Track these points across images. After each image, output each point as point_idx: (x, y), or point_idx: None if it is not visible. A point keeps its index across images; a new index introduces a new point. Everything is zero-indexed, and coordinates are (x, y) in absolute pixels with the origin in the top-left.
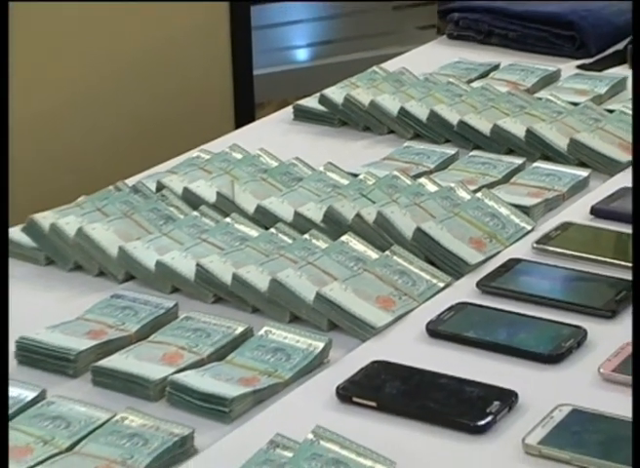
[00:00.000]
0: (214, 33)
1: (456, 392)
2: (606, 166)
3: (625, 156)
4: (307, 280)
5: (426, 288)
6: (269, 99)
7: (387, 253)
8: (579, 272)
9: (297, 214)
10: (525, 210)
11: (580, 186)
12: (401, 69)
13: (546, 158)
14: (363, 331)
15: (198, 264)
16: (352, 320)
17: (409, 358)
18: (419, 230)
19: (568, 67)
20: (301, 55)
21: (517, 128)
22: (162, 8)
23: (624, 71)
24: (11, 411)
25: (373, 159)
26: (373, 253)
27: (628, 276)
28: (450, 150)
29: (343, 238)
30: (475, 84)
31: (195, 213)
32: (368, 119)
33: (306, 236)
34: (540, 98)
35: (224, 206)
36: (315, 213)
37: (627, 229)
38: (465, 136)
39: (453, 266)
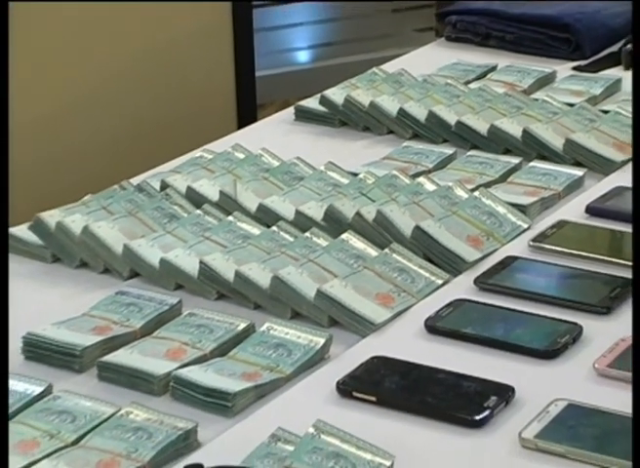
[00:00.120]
0: (217, 35)
1: (454, 387)
2: (601, 165)
3: (620, 156)
4: (308, 277)
5: (425, 285)
6: (271, 100)
7: (387, 250)
8: (574, 269)
9: (298, 213)
10: (521, 208)
11: (575, 185)
12: (400, 71)
13: (542, 158)
14: (363, 327)
15: (201, 262)
16: (352, 316)
17: (408, 353)
18: (417, 228)
19: (563, 69)
20: (303, 56)
21: (514, 128)
22: (166, 11)
23: (619, 73)
24: (18, 406)
25: (372, 159)
26: (372, 251)
27: (623, 273)
28: (448, 150)
29: (344, 236)
30: (473, 85)
31: (198, 211)
32: (367, 119)
33: (307, 234)
34: (537, 99)
35: (227, 204)
36: (316, 211)
37: (622, 227)
38: (463, 137)
39: (451, 264)
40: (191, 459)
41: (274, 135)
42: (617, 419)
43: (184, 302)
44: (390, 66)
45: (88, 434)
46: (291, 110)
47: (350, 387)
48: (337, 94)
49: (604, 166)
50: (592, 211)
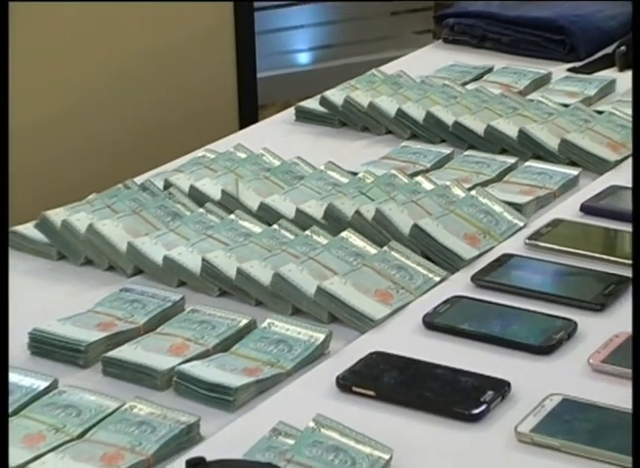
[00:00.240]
0: (219, 37)
1: (451, 382)
2: (595, 165)
3: (614, 156)
4: (309, 274)
5: (423, 282)
6: (272, 101)
7: (385, 248)
8: (569, 267)
9: (298, 211)
10: (517, 207)
11: (570, 185)
12: (399, 72)
13: (538, 157)
14: (362, 323)
15: (204, 259)
16: (352, 312)
17: (406, 349)
18: (415, 226)
19: (558, 70)
20: (303, 58)
21: (510, 128)
22: (170, 14)
23: (613, 74)
24: (24, 400)
25: (371, 158)
26: (371, 249)
27: (617, 271)
28: (445, 150)
29: (343, 234)
30: (470, 86)
31: (201, 210)
32: (367, 120)
33: (308, 232)
34: (532, 100)
35: (229, 203)
36: (316, 210)
37: (616, 226)
38: (460, 137)
39: (448, 261)
40: (194, 453)
41: (275, 135)
42: (611, 414)
43: (187, 299)
44: (389, 68)
45: (93, 428)
46: (291, 111)
47: (350, 382)
48: (336, 95)
49: (598, 165)
50: (587, 209)
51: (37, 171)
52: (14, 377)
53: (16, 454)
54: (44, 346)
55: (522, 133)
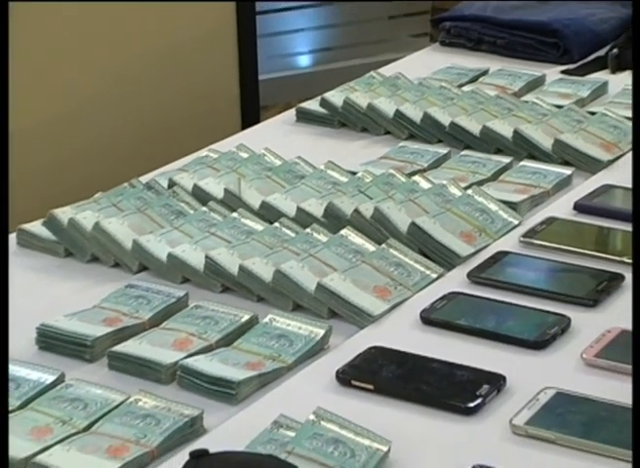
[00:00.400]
0: (222, 40)
1: (447, 376)
2: (588, 164)
3: (606, 155)
4: (309, 271)
5: (420, 278)
6: (274, 102)
7: (384, 245)
8: (562, 264)
9: (299, 210)
10: (512, 205)
11: (563, 184)
12: (396, 74)
13: (532, 157)
14: (361, 318)
15: (207, 256)
16: (351, 308)
17: (404, 344)
18: (413, 224)
19: (552, 72)
20: (304, 61)
21: (505, 129)
22: (174, 18)
23: (605, 76)
24: (32, 394)
25: (370, 158)
26: (370, 246)
27: (609, 267)
28: (442, 150)
29: (343, 232)
30: (466, 88)
31: (204, 208)
32: (365, 121)
33: (308, 230)
34: (527, 102)
35: (232, 202)
36: (316, 208)
37: (608, 224)
38: (457, 137)
39: (445, 258)
40: (197, 445)
41: (277, 135)
42: (603, 407)
43: (191, 295)
44: (387, 70)
45: (99, 420)
46: (292, 112)
47: (349, 376)
48: (336, 96)
49: (591, 165)
50: (580, 208)
51: (44, 170)
52: (22, 371)
53: (23, 446)
54: (51, 341)
55: (517, 133)
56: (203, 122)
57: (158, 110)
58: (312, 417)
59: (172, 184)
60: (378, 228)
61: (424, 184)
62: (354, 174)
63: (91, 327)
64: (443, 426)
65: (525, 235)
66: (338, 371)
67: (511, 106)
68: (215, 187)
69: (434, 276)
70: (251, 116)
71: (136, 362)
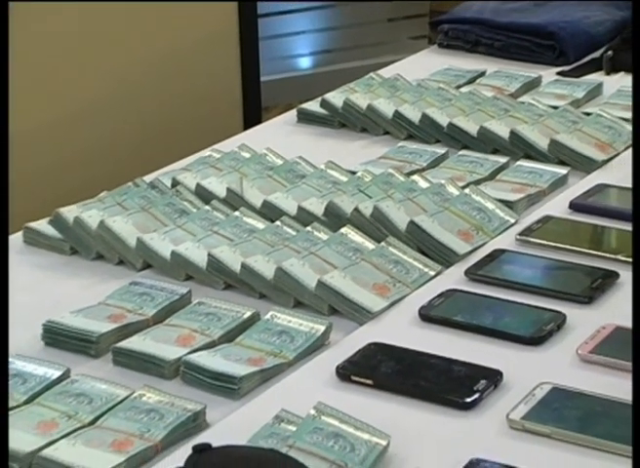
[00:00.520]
0: (224, 43)
1: (445, 371)
2: (583, 164)
3: (601, 155)
4: (310, 268)
5: (419, 276)
6: (275, 103)
7: (383, 243)
8: (558, 261)
9: (300, 209)
10: (509, 204)
11: (559, 183)
12: (395, 76)
13: (529, 157)
14: (361, 315)
15: (209, 254)
16: (351, 305)
17: (403, 340)
18: (412, 223)
19: (548, 74)
20: (304, 63)
21: (502, 129)
22: (178, 21)
23: (600, 78)
24: (38, 389)
25: (370, 158)
26: (370, 244)
27: (604, 265)
28: (440, 150)
29: (343, 230)
30: (463, 89)
31: (207, 207)
32: (365, 121)
33: (309, 228)
34: (523, 102)
35: (234, 200)
36: (317, 207)
37: (603, 222)
38: (454, 137)
39: (443, 256)
40: (200, 439)
41: (278, 135)
42: (598, 402)
43: (194, 292)
44: (386, 72)
45: (103, 415)
46: (293, 113)
47: (349, 371)
48: (336, 97)
49: (586, 165)
50: (575, 206)
51: (49, 171)
52: (28, 367)
53: (29, 440)
54: (57, 337)
55: (513, 133)
56: (206, 122)
57: (162, 111)
58: (313, 412)
59: (175, 184)
60: (377, 227)
61: (423, 184)
62: (354, 173)
63: (96, 323)
64: (441, 421)
65: (521, 233)
66: (338, 367)
67: (508, 107)
68: (217, 186)
69: (432, 273)
70: (253, 117)
71: (140, 357)
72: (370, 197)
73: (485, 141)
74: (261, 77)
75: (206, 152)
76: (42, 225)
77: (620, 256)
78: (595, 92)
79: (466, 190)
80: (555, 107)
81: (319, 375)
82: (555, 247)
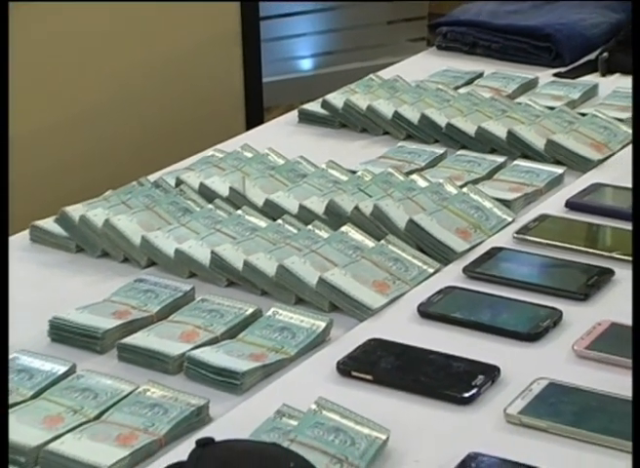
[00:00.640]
0: (227, 45)
1: (444, 367)
2: (579, 164)
3: (597, 155)
4: (311, 266)
5: (418, 273)
6: (277, 104)
7: (383, 241)
8: (554, 259)
9: (301, 207)
10: (506, 203)
11: (555, 182)
12: (395, 77)
13: (526, 157)
14: (361, 311)
15: (213, 252)
16: (351, 302)
17: (402, 336)
18: (411, 221)
19: (545, 75)
20: (306, 64)
21: (499, 129)
22: (183, 24)
23: (595, 79)
24: (44, 384)
25: (369, 157)
26: (369, 242)
27: (599, 263)
28: (439, 150)
29: (343, 228)
30: (461, 90)
31: (210, 205)
32: (365, 121)
33: (310, 227)
34: (520, 103)
35: (236, 199)
36: (318, 205)
37: (599, 221)
38: (453, 137)
39: (441, 254)
40: (203, 433)
41: (280, 135)
42: (594, 397)
43: (197, 289)
44: (386, 73)
45: (109, 410)
46: (295, 113)
47: (349, 367)
48: (337, 98)
49: (582, 164)
50: (571, 205)
51: (55, 171)
52: (35, 362)
53: (36, 435)
54: (63, 333)
55: (510, 133)
56: (209, 123)
57: (166, 112)
58: (314, 407)
59: (179, 183)
60: (377, 225)
61: (422, 183)
62: (354, 172)
63: (101, 319)
64: (440, 415)
65: (518, 231)
66: (338, 363)
67: (505, 108)
68: (220, 186)
69: (431, 271)
70: (255, 117)
71: (144, 353)
72: (370, 196)
73: (483, 141)
74: (263, 78)
75: (209, 152)
76: (48, 224)
77: (615, 254)
78: (591, 93)
79: (464, 189)
80: (552, 108)
81: (320, 371)
82: (552, 245)
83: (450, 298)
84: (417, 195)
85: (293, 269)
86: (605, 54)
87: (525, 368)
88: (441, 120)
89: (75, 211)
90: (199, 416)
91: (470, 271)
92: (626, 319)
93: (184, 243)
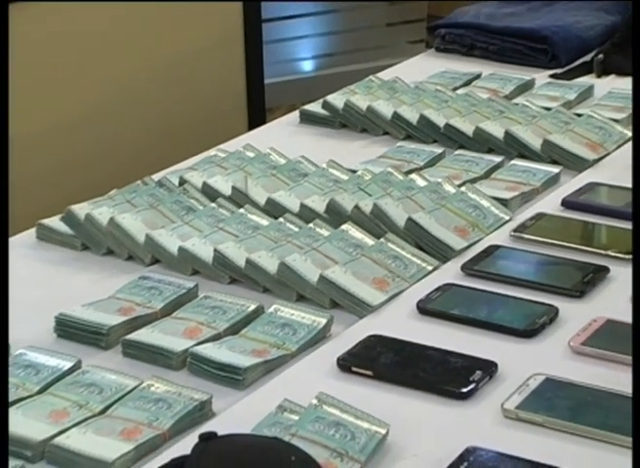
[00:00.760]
0: (230, 47)
1: (442, 362)
2: (575, 163)
3: (592, 155)
4: (312, 263)
5: (417, 271)
6: (278, 105)
7: (382, 240)
8: (550, 257)
9: (302, 206)
10: (503, 202)
11: (552, 181)
12: (394, 78)
13: (522, 156)
14: (361, 308)
15: (215, 250)
16: (351, 299)
17: (401, 332)
18: (410, 220)
19: (541, 77)
20: (307, 66)
21: (496, 130)
22: (187, 27)
23: (591, 80)
24: (50, 379)
25: (369, 157)
26: (369, 240)
27: (595, 260)
28: (437, 149)
29: (343, 227)
30: (460, 91)
31: (213, 204)
32: (365, 122)
33: (311, 225)
34: (517, 104)
35: (239, 198)
36: (319, 204)
37: (594, 219)
38: (451, 137)
39: (440, 252)
40: (206, 428)
41: (281, 136)
42: (589, 392)
43: (200, 286)
44: (385, 74)
45: (113, 404)
46: (296, 114)
47: (349, 363)
48: (337, 99)
49: (578, 164)
50: (567, 204)
51: (62, 170)
52: (41, 358)
53: (42, 429)
54: (69, 329)
55: (508, 134)
56: (212, 123)
57: (170, 113)
58: (315, 402)
59: (182, 182)
60: (376, 223)
61: (421, 182)
62: (354, 172)
63: (106, 316)
64: (438, 410)
65: (515, 230)
66: (338, 358)
67: (502, 108)
68: (223, 185)
69: (430, 268)
70: (257, 118)
71: (148, 349)
72: (369, 195)
73: (480, 141)
74: (265, 80)
75: (212, 152)
76: (54, 222)
77: (610, 252)
78: (586, 94)
79: (462, 188)
80: (548, 109)
81: (321, 366)
82: (548, 243)
83: (448, 295)
84: (416, 194)
85: (294, 267)
86: (600, 55)
87: (522, 363)
88: (439, 120)
89: (81, 209)
90: (202, 411)
91: (468, 269)
92: (621, 315)
93: (188, 241)
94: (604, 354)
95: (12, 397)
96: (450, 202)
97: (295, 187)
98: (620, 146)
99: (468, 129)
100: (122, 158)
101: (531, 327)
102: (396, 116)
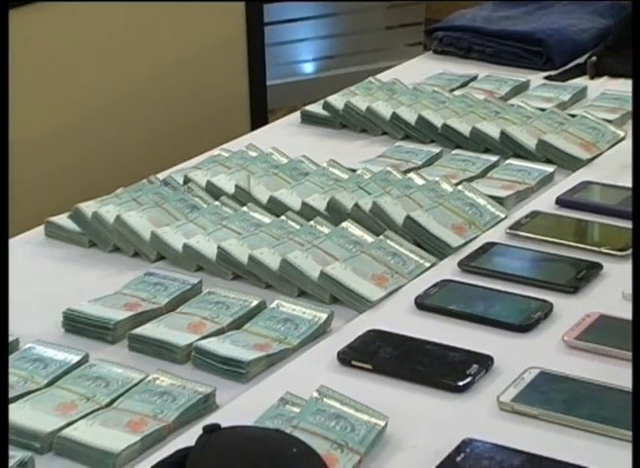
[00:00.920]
0: (233, 49)
1: (440, 356)
2: (569, 163)
3: (586, 154)
4: (313, 260)
5: (415, 267)
6: (280, 106)
7: (381, 237)
8: (545, 254)
9: (303, 204)
10: (499, 200)
11: (546, 180)
12: (393, 80)
13: (518, 156)
14: (360, 304)
15: (219, 247)
16: (351, 294)
17: (400, 327)
18: (408, 218)
19: (536, 78)
20: (308, 68)
21: (493, 130)
22: (190, 29)
23: (585, 81)
24: (58, 373)
25: (369, 157)
26: (369, 238)
27: (588, 257)
28: (435, 149)
29: (344, 224)
30: (457, 92)
31: (217, 202)
32: (365, 122)
33: (312, 223)
34: (513, 105)
35: (242, 197)
36: (319, 202)
37: (587, 217)
38: (448, 137)
39: (437, 249)
40: (210, 420)
41: (283, 136)
42: (583, 385)
43: (204, 282)
44: (384, 76)
45: (120, 397)
46: (297, 114)
47: (349, 357)
48: (338, 100)
49: (572, 163)
50: (561, 202)
51: (69, 169)
52: (49, 352)
53: (50, 421)
54: (76, 324)
55: (503, 134)
56: (215, 124)
57: (174, 114)
58: (316, 395)
59: (187, 181)
60: (376, 221)
61: (419, 181)
62: (354, 171)
63: (113, 311)
64: (436, 403)
65: (511, 227)
66: (339, 353)
67: (498, 109)
68: (226, 183)
69: (428, 265)
70: (259, 118)
71: (154, 343)
72: (369, 193)
73: (477, 141)
74: (267, 81)
75: (215, 151)
76: (62, 219)
77: (603, 249)
78: (580, 95)
79: (459, 187)
80: (543, 109)
81: (321, 360)
82: (542, 240)
83: (445, 291)
84: (414, 192)
85: (295, 263)
86: (594, 58)
87: (517, 357)
88: (437, 121)
89: (88, 207)
90: (206, 404)
91: (465, 265)
92: (614, 311)
93: (192, 238)
94: (597, 348)
95: (20, 390)
96: (447, 200)
97: (296, 186)
98: (612, 146)
99: (465, 129)
100: (128, 157)
101: (526, 322)
102: (395, 117)
